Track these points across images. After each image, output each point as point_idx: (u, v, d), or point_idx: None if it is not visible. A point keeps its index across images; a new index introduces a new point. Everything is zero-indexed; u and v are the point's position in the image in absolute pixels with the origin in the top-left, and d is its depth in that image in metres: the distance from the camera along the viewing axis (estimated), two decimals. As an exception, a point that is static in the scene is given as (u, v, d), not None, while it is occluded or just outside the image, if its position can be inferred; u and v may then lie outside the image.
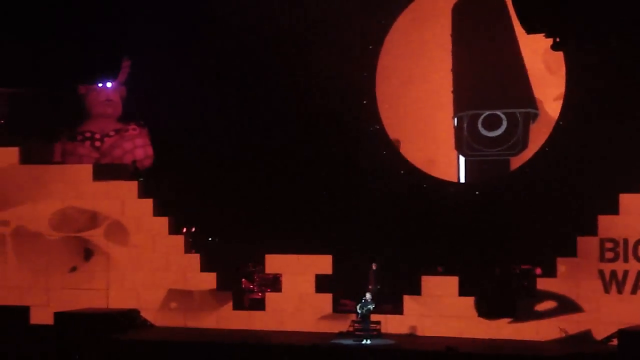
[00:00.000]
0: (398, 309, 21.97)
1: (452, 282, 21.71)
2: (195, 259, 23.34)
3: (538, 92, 23.29)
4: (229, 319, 22.82)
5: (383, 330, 21.41)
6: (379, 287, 22.09)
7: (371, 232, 23.36)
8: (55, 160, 24.66)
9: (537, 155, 23.14)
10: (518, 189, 23.05)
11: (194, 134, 24.56)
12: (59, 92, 24.17)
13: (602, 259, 20.81)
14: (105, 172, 23.89)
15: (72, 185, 23.83)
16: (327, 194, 23.82)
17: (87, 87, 24.97)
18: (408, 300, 21.91)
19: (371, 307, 20.42)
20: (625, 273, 20.63)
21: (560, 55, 22.47)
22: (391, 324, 21.72)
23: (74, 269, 23.54)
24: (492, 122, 23.60)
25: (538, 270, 22.20)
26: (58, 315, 22.03)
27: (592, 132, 22.06)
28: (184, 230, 24.24)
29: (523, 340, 20.64)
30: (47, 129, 24.58)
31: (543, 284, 21.10)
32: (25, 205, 23.78)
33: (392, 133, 24.14)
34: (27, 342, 21.74)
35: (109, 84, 24.96)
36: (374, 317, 20.87)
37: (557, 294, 20.92)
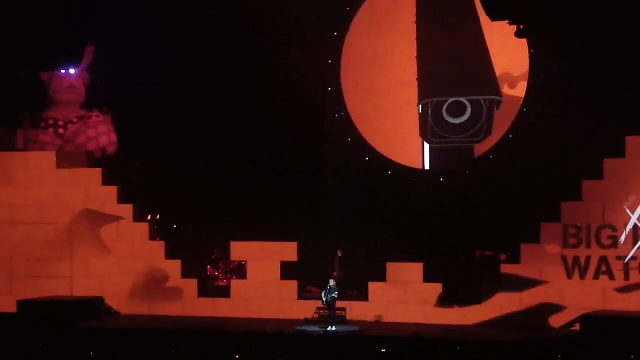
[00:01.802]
0: (363, 296, 22.04)
1: (417, 268, 21.81)
2: (160, 246, 23.27)
3: (502, 79, 23.35)
4: (194, 306, 22.79)
5: (348, 317, 21.48)
6: (343, 273, 22.14)
7: (336, 218, 23.38)
8: (18, 147, 24.42)
9: (501, 141, 23.24)
10: (482, 175, 23.14)
11: (158, 120, 24.42)
12: (20, 79, 23.90)
13: (565, 244, 20.98)
14: (68, 159, 23.76)
15: (36, 172, 23.67)
16: (292, 180, 23.76)
17: (49, 73, 24.72)
18: (373, 287, 21.99)
19: (335, 294, 20.44)
20: (588, 259, 20.81)
21: (523, 42, 22.55)
22: (356, 311, 21.79)
23: None
24: (456, 109, 23.67)
25: (502, 257, 22.36)
26: (21, 303, 21.88)
27: (555, 118, 22.18)
28: (149, 217, 24.16)
29: (487, 326, 20.78)
30: (10, 116, 24.32)
31: (507, 269, 21.24)
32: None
33: (357, 120, 24.12)
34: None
35: (71, 70, 24.73)
36: (339, 304, 20.91)
37: (521, 279, 21.06)
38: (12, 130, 24.54)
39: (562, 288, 20.83)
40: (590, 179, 20.95)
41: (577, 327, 19.97)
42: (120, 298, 23.07)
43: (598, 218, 20.82)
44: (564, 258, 20.94)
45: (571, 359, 17.83)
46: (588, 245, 20.84)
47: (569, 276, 20.89)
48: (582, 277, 20.81)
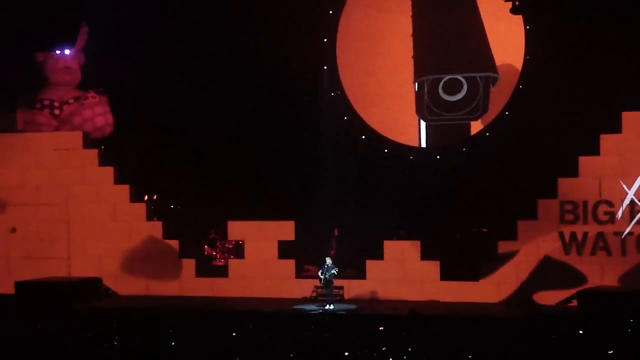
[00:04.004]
0: (361, 274, 22.07)
1: (414, 246, 21.83)
2: (157, 226, 23.29)
3: (498, 56, 23.29)
4: (192, 286, 22.83)
5: (346, 295, 21.52)
6: (333, 253, 22.10)
7: (333, 197, 23.37)
8: (19, 128, 24.34)
9: (497, 119, 23.20)
10: (478, 152, 23.11)
11: (155, 101, 24.35)
12: (16, 60, 23.83)
13: (562, 221, 21.00)
14: (65, 140, 23.77)
15: (32, 153, 23.66)
16: (289, 160, 23.74)
17: (44, 54, 24.64)
18: (371, 265, 22.02)
19: (334, 271, 20.45)
20: (585, 235, 20.83)
21: (519, 18, 22.49)
22: (354, 289, 21.85)
23: (13, 230, 23.47)
24: (452, 87, 23.61)
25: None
26: (19, 285, 21.91)
27: (551, 95, 22.13)
28: (146, 198, 24.15)
29: (484, 303, 20.82)
30: (7, 98, 24.27)
31: (504, 246, 21.25)
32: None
33: (353, 98, 24.08)
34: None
35: (67, 51, 24.66)
36: (337, 282, 20.96)
37: (518, 256, 21.09)
38: (13, 111, 24.44)
39: (559, 264, 20.84)
40: (587, 155, 20.94)
41: (574, 303, 20.00)
42: (118, 278, 23.09)
43: (595, 194, 20.84)
44: (561, 234, 20.96)
45: (569, 334, 17.84)
46: (585, 222, 20.87)
47: (567, 252, 20.92)
48: (579, 253, 20.83)
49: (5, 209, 23.60)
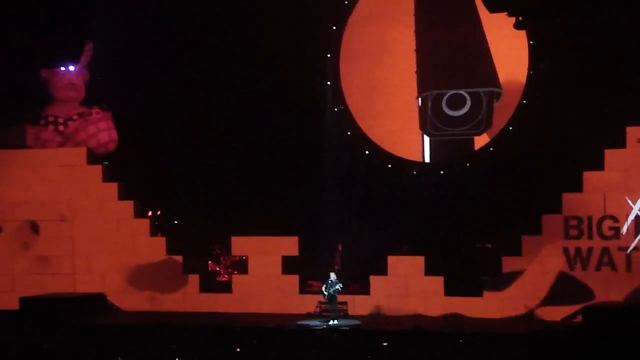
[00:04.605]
0: (365, 289, 22.04)
1: (418, 261, 21.80)
2: (161, 242, 23.29)
3: (501, 71, 23.32)
4: (196, 301, 22.80)
5: (350, 311, 21.47)
6: (337, 268, 22.07)
7: (337, 213, 23.36)
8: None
9: (501, 134, 23.19)
10: (482, 168, 23.10)
11: (158, 116, 24.42)
12: (20, 76, 23.89)
13: (566, 236, 20.96)
14: (69, 155, 23.80)
15: (37, 169, 23.68)
16: (292, 175, 23.75)
17: (49, 71, 24.72)
18: (374, 281, 21.98)
19: (339, 287, 20.40)
20: (590, 250, 20.79)
21: (523, 33, 22.51)
22: (358, 305, 21.80)
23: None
24: (456, 102, 23.62)
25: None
26: (23, 300, 21.90)
27: (555, 110, 22.12)
28: (149, 213, 24.16)
29: (489, 318, 20.76)
30: (14, 114, 24.32)
31: (508, 262, 21.22)
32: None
33: (357, 114, 24.09)
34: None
35: (71, 68, 24.72)
36: (341, 298, 20.90)
37: (522, 272, 21.05)
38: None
39: (564, 279, 20.79)
40: (591, 170, 20.92)
41: (579, 318, 19.94)
42: (121, 294, 23.08)
43: (600, 209, 20.79)
44: (565, 250, 20.92)
45: (574, 351, 17.81)
46: (590, 237, 20.82)
47: (571, 268, 20.87)
48: (584, 268, 20.79)
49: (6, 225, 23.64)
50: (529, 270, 21.00)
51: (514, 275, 21.05)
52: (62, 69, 24.75)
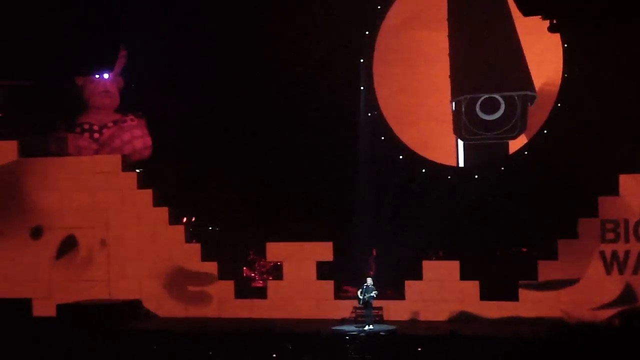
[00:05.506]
0: (400, 295, 21.99)
1: (453, 266, 21.72)
2: (195, 248, 23.33)
3: (536, 75, 23.21)
4: (231, 307, 22.83)
5: (385, 316, 21.42)
6: (372, 273, 22.03)
7: (371, 218, 23.34)
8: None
9: (535, 137, 23.09)
10: (517, 171, 23.00)
11: (193, 123, 24.52)
12: (56, 85, 24.09)
13: (603, 240, 20.82)
14: (104, 163, 23.93)
15: (73, 177, 23.82)
16: (327, 181, 23.75)
17: (84, 78, 24.91)
18: (410, 286, 21.93)
19: (374, 294, 20.33)
20: (627, 253, 20.64)
21: (557, 36, 22.40)
22: (393, 310, 21.74)
23: None
24: (490, 106, 23.55)
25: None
26: (60, 307, 22.05)
27: (590, 113, 22.00)
28: (184, 220, 24.23)
29: (524, 323, 20.62)
30: (46, 122, 24.49)
31: (545, 266, 21.10)
32: (26, 198, 23.80)
33: (390, 119, 24.07)
34: (29, 334, 21.70)
35: (106, 75, 24.90)
36: (376, 303, 20.86)
37: (558, 276, 20.92)
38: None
39: (601, 283, 20.65)
40: (628, 173, 20.77)
41: (616, 322, 19.76)
42: (157, 300, 23.16)
43: (636, 212, 20.65)
44: (602, 253, 20.78)
45: (611, 355, 17.65)
46: (627, 240, 20.68)
47: (608, 272, 20.72)
48: (620, 272, 20.63)
49: (44, 232, 23.76)
50: (565, 274, 20.85)
51: (551, 279, 20.91)
52: (97, 76, 24.94)
